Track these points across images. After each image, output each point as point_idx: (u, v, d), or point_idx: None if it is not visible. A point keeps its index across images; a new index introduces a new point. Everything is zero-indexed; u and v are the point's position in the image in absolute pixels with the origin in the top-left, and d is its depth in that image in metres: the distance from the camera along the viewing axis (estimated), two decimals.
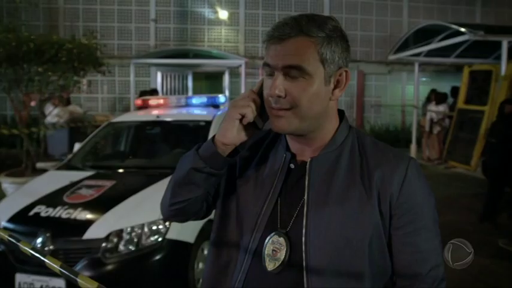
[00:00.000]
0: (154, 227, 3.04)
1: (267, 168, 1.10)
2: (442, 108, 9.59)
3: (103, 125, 4.85)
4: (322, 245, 0.97)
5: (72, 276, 0.83)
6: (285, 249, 1.00)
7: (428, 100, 10.57)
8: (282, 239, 1.01)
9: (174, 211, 1.15)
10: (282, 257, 1.00)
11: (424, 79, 13.17)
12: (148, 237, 3.01)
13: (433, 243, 1.01)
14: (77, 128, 8.52)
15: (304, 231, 0.99)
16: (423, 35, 9.52)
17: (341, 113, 1.10)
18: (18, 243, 0.85)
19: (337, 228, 0.98)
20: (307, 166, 1.04)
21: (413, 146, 10.70)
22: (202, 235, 3.37)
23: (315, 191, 1.01)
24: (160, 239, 3.01)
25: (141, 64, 11.95)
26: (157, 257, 2.97)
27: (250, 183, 1.11)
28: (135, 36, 12.55)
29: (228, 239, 1.11)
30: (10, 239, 0.86)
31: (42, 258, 0.87)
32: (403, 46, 10.27)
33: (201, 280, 3.32)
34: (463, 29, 7.76)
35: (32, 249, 0.88)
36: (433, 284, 0.99)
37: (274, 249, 1.01)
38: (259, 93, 1.05)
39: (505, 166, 4.94)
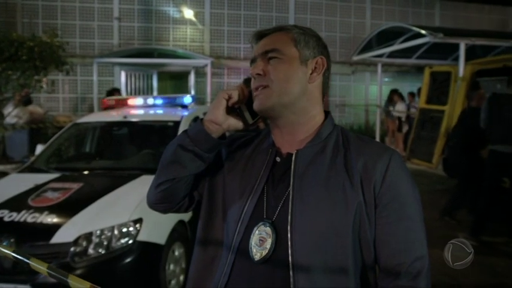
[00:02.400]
0: (124, 229, 2.99)
1: (253, 163, 1.13)
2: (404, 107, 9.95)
3: (68, 126, 4.71)
4: (307, 232, 0.98)
5: (62, 277, 0.81)
6: (272, 237, 1.01)
7: (389, 100, 10.89)
8: (268, 228, 1.02)
9: (159, 194, 1.17)
10: (269, 246, 1.00)
11: (386, 79, 13.53)
12: (119, 239, 2.95)
13: (417, 234, 1.02)
14: (37, 129, 8.24)
15: (289, 219, 1.00)
16: (386, 37, 9.79)
17: (326, 113, 1.16)
18: None
19: (322, 215, 0.99)
20: (293, 157, 1.07)
21: None
22: (173, 236, 3.34)
23: (300, 181, 1.03)
24: (130, 241, 2.96)
25: (105, 63, 11.68)
26: (128, 260, 2.92)
27: (236, 178, 1.13)
28: (98, 34, 12.24)
29: (214, 234, 1.12)
30: None
31: (26, 260, 0.84)
32: (367, 47, 10.52)
33: (172, 282, 3.31)
34: (423, 31, 8.03)
35: (14, 251, 0.85)
36: (417, 274, 0.99)
37: (261, 238, 1.02)
38: (250, 90, 1.13)
39: (472, 167, 5.15)
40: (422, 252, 1.01)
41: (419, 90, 9.84)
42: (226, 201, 1.12)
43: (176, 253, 3.43)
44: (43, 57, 6.28)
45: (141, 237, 3.00)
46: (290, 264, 0.97)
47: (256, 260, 1.01)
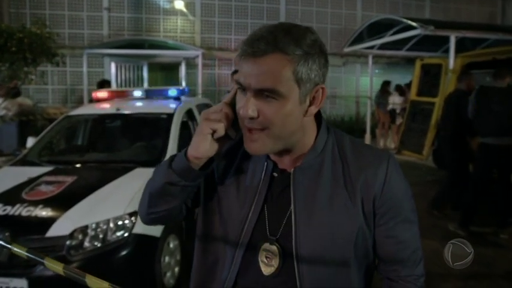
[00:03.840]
0: (120, 222, 3.00)
1: (248, 174, 1.10)
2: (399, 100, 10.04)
3: (60, 118, 4.68)
4: (312, 252, 1.02)
5: (79, 277, 0.81)
6: (278, 256, 1.03)
7: (381, 92, 10.95)
8: (273, 247, 1.04)
9: (152, 219, 1.17)
10: (276, 264, 1.03)
11: (377, 71, 13.59)
12: (114, 232, 2.97)
13: (412, 231, 1.09)
14: (27, 121, 8.15)
15: (294, 239, 1.02)
16: (377, 29, 9.82)
17: (318, 114, 1.08)
18: (9, 246, 0.82)
19: (326, 235, 1.02)
20: (291, 176, 1.05)
21: (367, 136, 11.06)
22: (168, 228, 3.35)
23: (301, 201, 1.03)
24: (126, 234, 2.97)
25: (94, 54, 11.56)
26: (124, 252, 2.93)
27: (232, 189, 1.10)
28: (87, 25, 12.11)
29: (214, 240, 1.13)
30: (1, 242, 0.83)
31: (40, 260, 0.85)
32: (358, 39, 10.55)
33: (168, 274, 3.33)
34: (414, 24, 8.07)
35: (27, 251, 0.86)
36: (413, 265, 1.09)
37: (268, 256, 1.04)
38: (233, 103, 1.03)
39: (461, 161, 5.22)
40: (417, 245, 1.11)
41: (409, 82, 9.92)
42: (222, 210, 1.11)
43: (171, 245, 3.44)
44: (33, 48, 6.20)
45: (136, 230, 3.01)
46: (297, 281, 1.02)
47: (266, 275, 1.04)
